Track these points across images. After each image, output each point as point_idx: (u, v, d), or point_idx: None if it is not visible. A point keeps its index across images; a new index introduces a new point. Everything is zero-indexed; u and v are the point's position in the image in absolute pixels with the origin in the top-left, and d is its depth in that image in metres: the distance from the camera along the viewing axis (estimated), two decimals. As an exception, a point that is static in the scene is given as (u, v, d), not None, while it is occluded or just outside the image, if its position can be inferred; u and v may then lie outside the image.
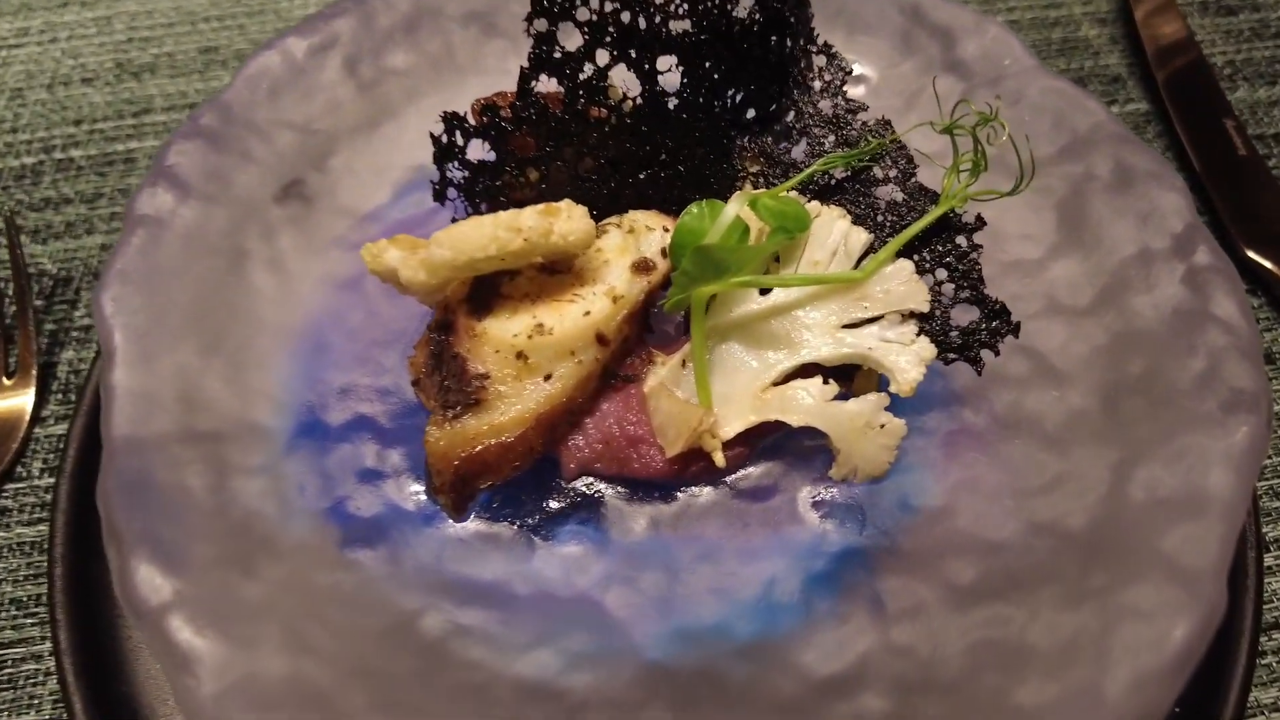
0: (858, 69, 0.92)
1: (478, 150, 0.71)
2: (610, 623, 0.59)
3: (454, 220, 0.76)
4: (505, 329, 0.62)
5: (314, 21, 0.85)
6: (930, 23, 0.90)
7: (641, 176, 0.70)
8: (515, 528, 0.65)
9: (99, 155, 1.14)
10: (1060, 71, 1.26)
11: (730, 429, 0.65)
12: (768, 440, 0.67)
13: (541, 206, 0.59)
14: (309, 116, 0.82)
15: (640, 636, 0.59)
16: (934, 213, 0.64)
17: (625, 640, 0.58)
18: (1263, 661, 0.76)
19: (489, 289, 0.64)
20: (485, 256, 0.58)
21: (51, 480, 0.84)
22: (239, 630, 0.55)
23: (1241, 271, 1.04)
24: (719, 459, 0.64)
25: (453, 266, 0.58)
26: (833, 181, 0.68)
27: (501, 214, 0.59)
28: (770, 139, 0.70)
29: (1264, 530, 0.83)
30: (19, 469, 0.86)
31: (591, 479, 0.67)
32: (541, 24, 0.66)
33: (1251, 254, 1.01)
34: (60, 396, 0.91)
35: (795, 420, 0.63)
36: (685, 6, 0.64)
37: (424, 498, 0.65)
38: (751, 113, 0.68)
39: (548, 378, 0.62)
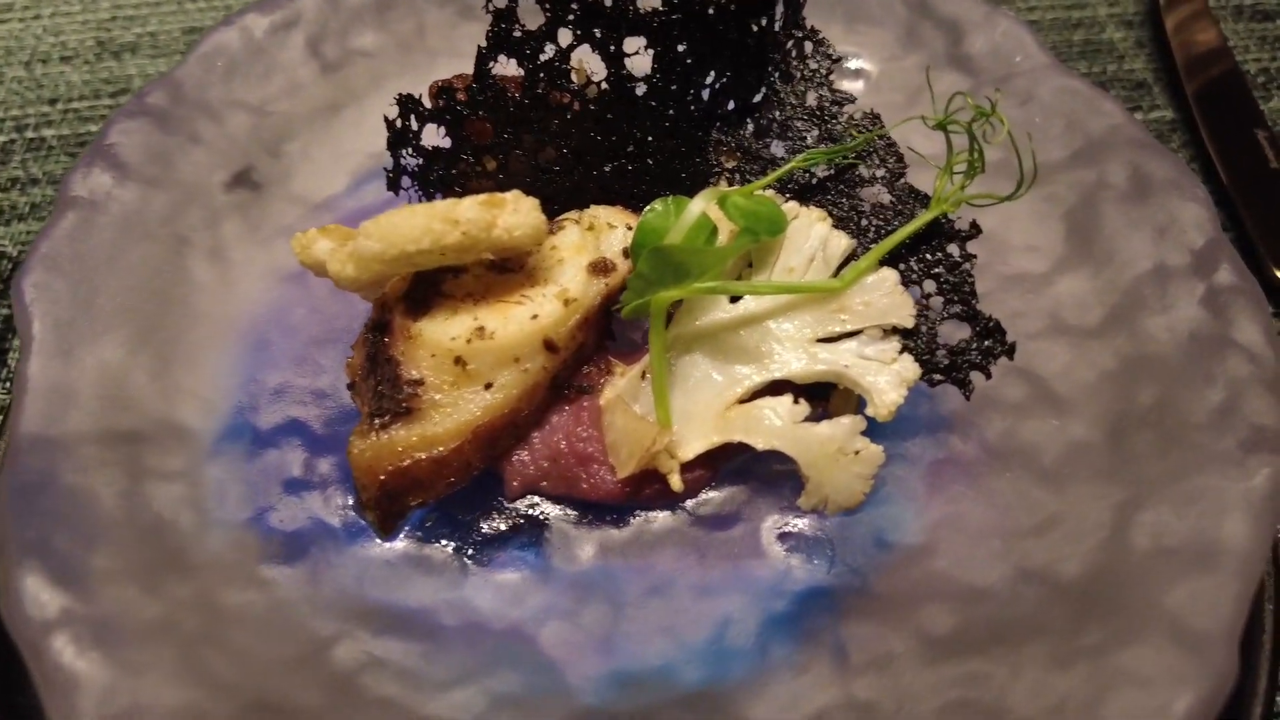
0: (857, 62, 0.86)
1: (437, 136, 0.66)
2: (543, 662, 0.53)
3: (408, 211, 0.71)
4: (443, 331, 0.56)
5: (276, -3, 0.80)
6: (937, 14, 0.84)
7: (606, 169, 0.64)
8: (449, 550, 0.59)
9: (71, 135, 1.10)
10: (1082, 75, 1.19)
11: (690, 449, 0.58)
12: (733, 463, 0.61)
13: (484, 197, 0.54)
14: (265, 98, 0.78)
15: (575, 679, 0.53)
16: (923, 217, 0.57)
17: (558, 682, 0.52)
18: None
19: (429, 287, 0.59)
20: (418, 250, 0.52)
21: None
22: (130, 655, 0.50)
23: (1269, 292, 0.96)
24: (675, 483, 0.58)
25: (382, 260, 0.53)
26: (814, 180, 0.61)
27: (438, 204, 0.53)
28: (748, 132, 0.64)
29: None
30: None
31: (537, 499, 0.61)
32: (500, 0, 0.61)
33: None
34: (4, 386, 0.87)
35: (760, 443, 0.57)
36: (654, -18, 0.58)
37: (352, 513, 0.60)
38: (729, 103, 0.62)
39: (488, 386, 0.56)
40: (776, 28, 0.66)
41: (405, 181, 0.68)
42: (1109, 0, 1.28)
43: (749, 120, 0.63)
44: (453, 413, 0.56)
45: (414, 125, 0.65)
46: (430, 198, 0.68)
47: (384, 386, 0.58)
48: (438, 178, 0.67)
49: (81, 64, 1.19)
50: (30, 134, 1.11)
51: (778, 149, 0.64)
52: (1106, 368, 0.64)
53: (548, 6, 0.59)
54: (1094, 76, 1.18)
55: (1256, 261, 0.97)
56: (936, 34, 0.84)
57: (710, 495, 0.61)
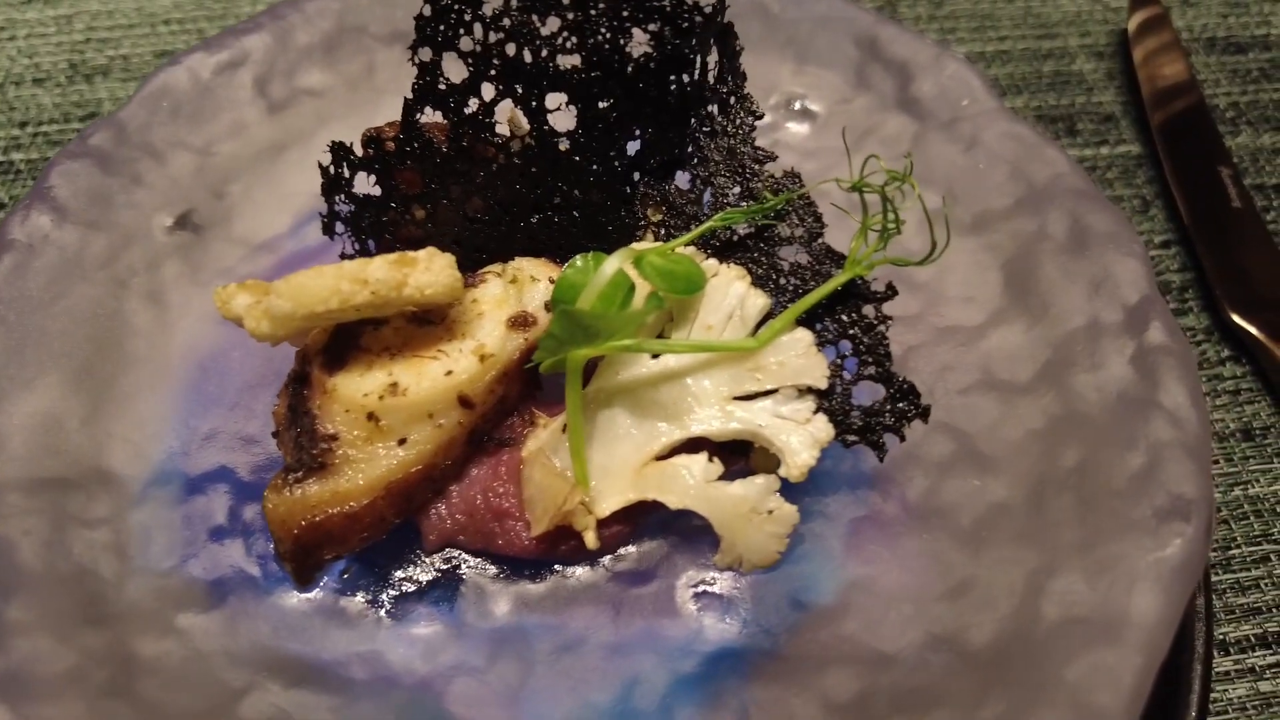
0: (805, 104, 0.86)
1: (369, 184, 0.66)
2: (448, 718, 0.54)
3: (342, 256, 0.72)
4: (357, 387, 0.57)
5: (224, 37, 0.81)
6: (886, 56, 0.84)
7: (533, 220, 0.64)
8: (365, 602, 0.59)
9: (39, 160, 1.11)
10: (1050, 107, 1.18)
11: (606, 505, 0.59)
12: (650, 518, 0.61)
13: (395, 256, 0.54)
14: (210, 139, 0.78)
15: (478, 737, 0.53)
16: (837, 279, 0.57)
17: (460, 741, 0.53)
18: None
19: (348, 339, 0.59)
20: (326, 310, 0.53)
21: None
22: (36, 710, 0.50)
23: (1225, 337, 0.96)
24: (590, 540, 0.58)
25: (294, 318, 0.53)
26: (735, 238, 0.61)
27: (346, 264, 0.53)
28: (673, 187, 0.64)
29: (1221, 630, 0.75)
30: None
31: (455, 552, 0.61)
32: (425, 53, 0.61)
33: (1236, 318, 0.93)
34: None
35: (673, 502, 0.57)
36: (574, 40, 0.58)
37: (272, 562, 0.61)
38: (653, 158, 0.62)
39: (402, 442, 0.57)
40: (711, 79, 0.66)
41: (339, 227, 0.68)
42: (1080, 31, 1.27)
43: (675, 175, 0.63)
44: (366, 468, 0.56)
45: (345, 172, 0.66)
46: (364, 243, 0.69)
47: (303, 439, 0.58)
48: (369, 224, 0.67)
49: (53, 86, 1.20)
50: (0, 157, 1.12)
51: (704, 203, 0.64)
52: (1033, 426, 0.64)
53: (470, 62, 0.60)
54: (1063, 109, 1.17)
55: (1214, 304, 0.96)
56: (885, 76, 0.84)
57: (629, 550, 0.61)
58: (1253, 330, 0.92)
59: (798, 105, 0.85)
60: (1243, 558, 0.80)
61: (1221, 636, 0.76)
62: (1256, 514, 0.83)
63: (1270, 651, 0.75)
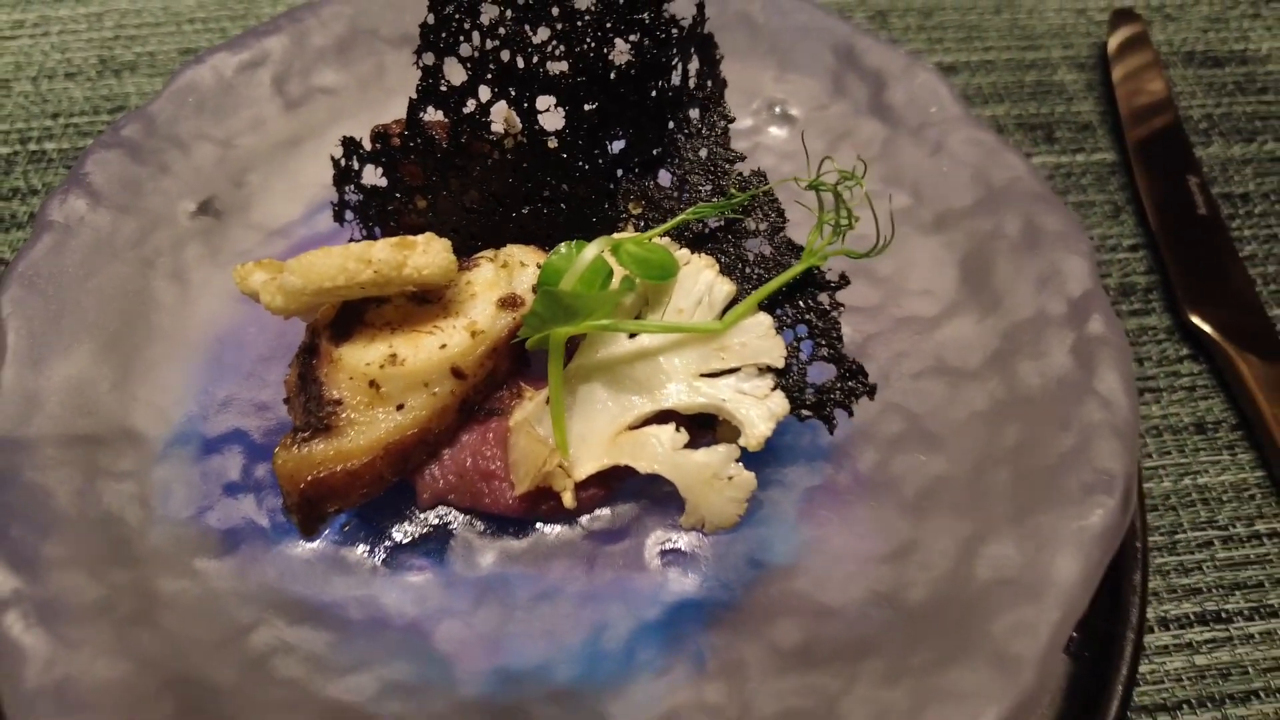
0: (786, 109, 0.92)
1: (375, 176, 0.73)
2: (435, 656, 0.60)
3: (351, 241, 0.78)
4: (360, 357, 0.63)
5: (245, 37, 0.87)
6: (862, 65, 0.89)
7: (524, 211, 0.71)
8: (364, 552, 0.66)
9: (70, 149, 1.18)
10: (1031, 115, 1.23)
11: (584, 469, 0.65)
12: (625, 483, 0.67)
13: (396, 240, 0.60)
14: (231, 132, 0.85)
15: (461, 673, 0.59)
16: (794, 269, 0.63)
17: (445, 674, 0.59)
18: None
19: (354, 314, 0.65)
20: (334, 286, 0.59)
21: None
22: (70, 632, 0.57)
23: (1185, 336, 1.01)
24: (568, 499, 0.64)
25: (305, 294, 0.60)
26: (706, 230, 0.67)
27: (353, 245, 0.60)
28: (652, 183, 0.70)
29: (1163, 608, 0.81)
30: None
31: (446, 509, 0.68)
32: (429, 57, 0.67)
33: (1194, 319, 0.98)
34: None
35: (643, 467, 0.63)
36: (562, 49, 0.64)
37: (280, 515, 0.67)
38: (634, 156, 0.68)
39: (400, 407, 0.63)
40: (691, 84, 0.72)
41: (349, 215, 0.75)
42: (1064, 43, 1.32)
43: (654, 172, 0.69)
44: (366, 430, 0.62)
45: (355, 165, 0.72)
46: (370, 230, 0.75)
47: (310, 403, 0.64)
48: (375, 213, 0.74)
49: (84, 80, 1.27)
50: (33, 146, 1.19)
51: (681, 199, 0.70)
52: (978, 408, 0.69)
53: (468, 66, 0.66)
54: (1042, 117, 1.23)
55: (1175, 305, 1.01)
56: (860, 83, 0.89)
57: (604, 512, 0.67)
58: (1209, 330, 0.97)
59: (779, 110, 0.90)
60: (1188, 542, 0.86)
61: (1164, 614, 0.81)
62: (1204, 502, 0.88)
63: (1206, 628, 0.80)
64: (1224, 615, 0.81)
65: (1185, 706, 0.76)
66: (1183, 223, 1.06)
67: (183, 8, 1.37)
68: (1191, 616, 0.81)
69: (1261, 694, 0.77)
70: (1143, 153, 1.14)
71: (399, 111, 0.79)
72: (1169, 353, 0.99)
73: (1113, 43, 1.26)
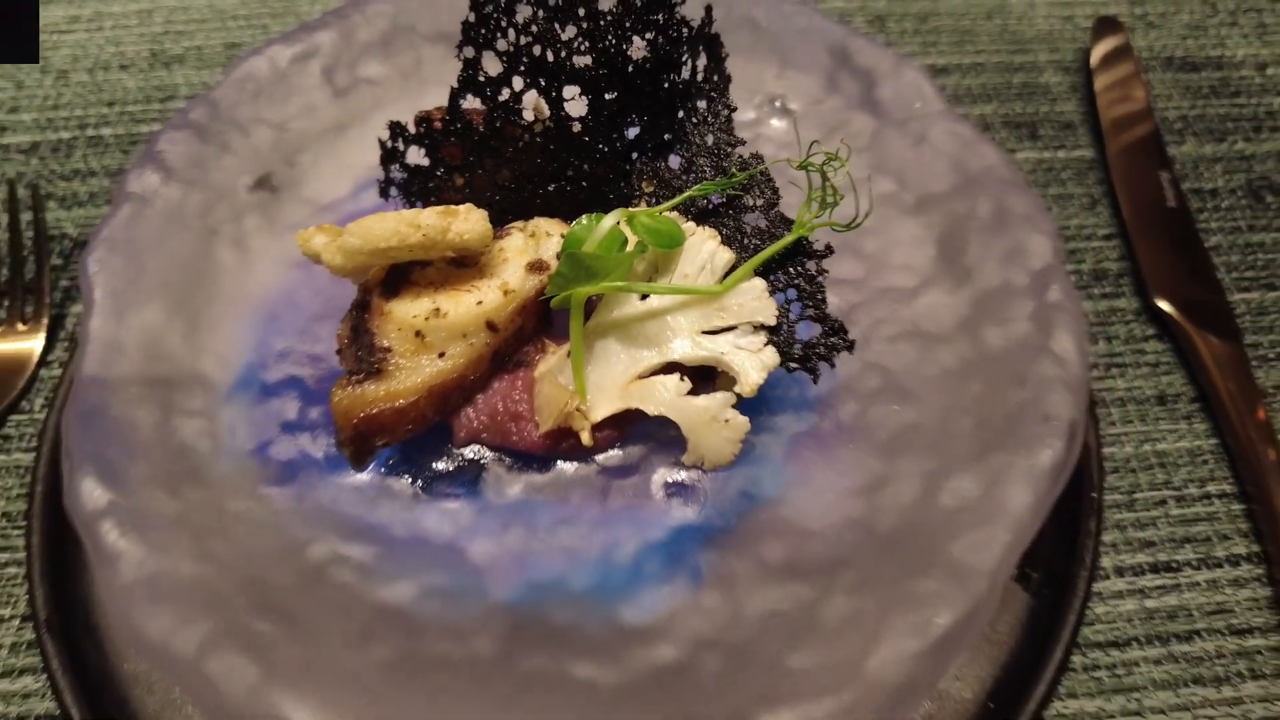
0: (785, 103, 1.01)
1: (418, 156, 0.82)
2: (469, 568, 0.69)
3: (395, 214, 0.87)
4: (408, 310, 0.72)
5: (298, 32, 0.97)
6: (854, 64, 0.98)
7: (550, 189, 0.80)
8: (406, 482, 0.75)
9: (125, 135, 1.29)
10: (1017, 114, 1.32)
11: (599, 412, 0.74)
12: (636, 426, 0.76)
13: (441, 208, 0.70)
14: (285, 116, 0.94)
15: (491, 582, 0.68)
16: (785, 240, 0.72)
17: (477, 583, 0.68)
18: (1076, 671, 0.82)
19: (401, 276, 0.75)
20: (388, 246, 0.68)
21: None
22: (156, 538, 0.66)
23: (1151, 318, 1.09)
24: (585, 438, 0.73)
25: (362, 253, 0.69)
26: (710, 206, 0.77)
27: (405, 211, 0.69)
28: (664, 165, 0.79)
29: (1119, 558, 0.89)
30: (24, 403, 1.00)
31: (479, 447, 0.77)
32: (469, 51, 0.77)
33: (1160, 302, 1.07)
34: (66, 343, 1.05)
35: (651, 410, 0.72)
36: (586, 44, 0.73)
37: (333, 449, 0.76)
38: (648, 141, 0.78)
39: (441, 355, 0.72)
40: (699, 77, 0.81)
41: (393, 191, 0.84)
42: (1050, 47, 1.41)
43: (665, 155, 0.79)
44: (412, 374, 0.72)
45: (400, 146, 0.81)
46: (411, 204, 0.85)
47: (362, 352, 0.74)
48: (418, 189, 0.83)
49: (136, 72, 1.37)
50: (90, 132, 1.29)
51: (688, 179, 0.79)
52: (947, 366, 0.78)
53: (504, 59, 0.75)
54: (1027, 115, 1.31)
55: (1143, 289, 1.10)
56: (853, 81, 0.98)
57: (617, 451, 0.76)
58: (1172, 312, 1.06)
59: (778, 104, 1.00)
60: (1145, 501, 0.94)
61: (1120, 563, 0.90)
62: (1161, 466, 0.97)
63: (1158, 576, 0.89)
64: (1174, 565, 0.89)
65: (1135, 643, 0.85)
66: (1153, 215, 1.15)
67: (227, 5, 1.47)
68: (1145, 566, 0.90)
69: (1204, 633, 0.85)
70: (1119, 151, 1.22)
71: (435, 100, 0.89)
72: (1135, 332, 1.08)
73: (1095, 49, 1.34)
